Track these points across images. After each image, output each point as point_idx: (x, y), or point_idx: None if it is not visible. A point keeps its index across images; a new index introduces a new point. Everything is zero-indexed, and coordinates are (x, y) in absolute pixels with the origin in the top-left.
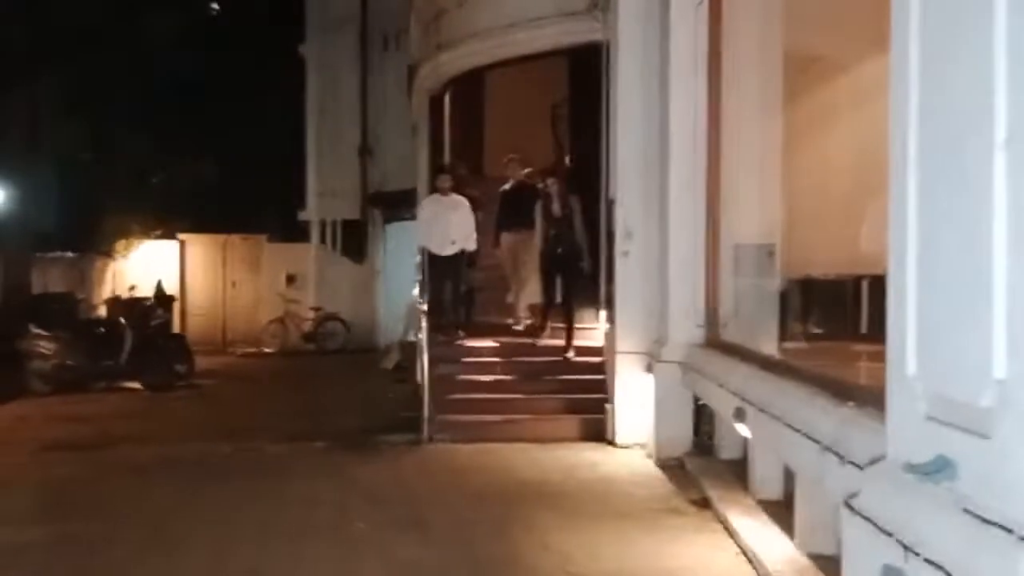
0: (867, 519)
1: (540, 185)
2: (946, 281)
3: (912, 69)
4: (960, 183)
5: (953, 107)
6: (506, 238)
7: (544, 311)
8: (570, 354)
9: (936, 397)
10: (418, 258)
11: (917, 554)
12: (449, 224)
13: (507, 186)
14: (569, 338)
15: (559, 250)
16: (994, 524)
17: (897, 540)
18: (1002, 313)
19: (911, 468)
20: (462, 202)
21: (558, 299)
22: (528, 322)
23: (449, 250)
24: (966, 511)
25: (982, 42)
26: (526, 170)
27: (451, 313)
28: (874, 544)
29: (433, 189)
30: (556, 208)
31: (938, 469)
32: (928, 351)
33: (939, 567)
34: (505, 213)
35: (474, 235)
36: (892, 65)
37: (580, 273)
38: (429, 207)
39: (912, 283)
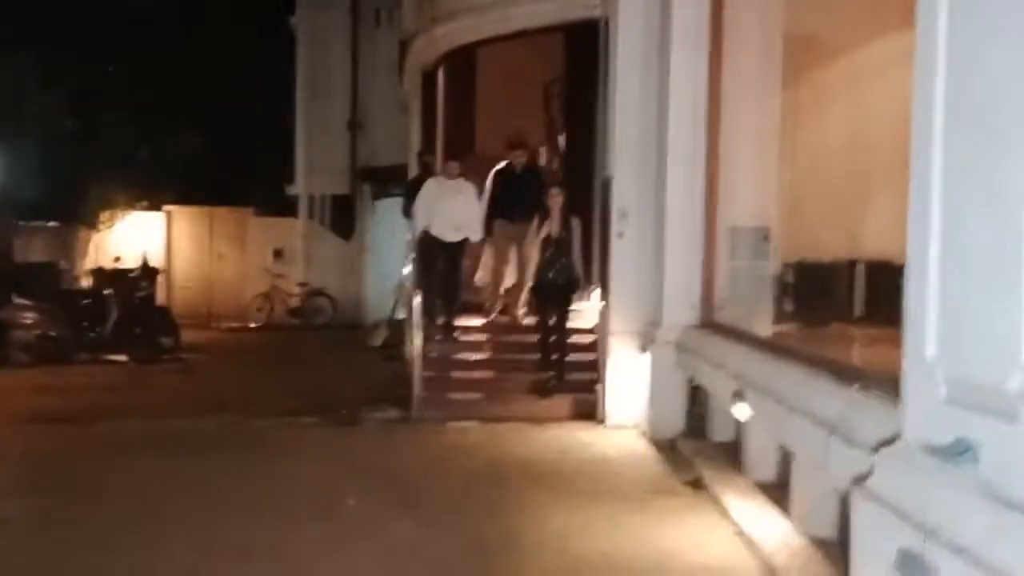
0: (882, 502)
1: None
2: (972, 263)
3: (940, 44)
4: (991, 161)
5: (985, 83)
6: (502, 226)
7: (544, 343)
8: (552, 390)
9: (957, 380)
10: (408, 239)
11: (938, 538)
12: (455, 209)
13: (506, 166)
14: (560, 373)
15: (555, 279)
16: (1020, 508)
17: (915, 524)
18: None
19: (932, 451)
20: (468, 187)
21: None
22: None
23: (453, 236)
24: (989, 495)
25: (1019, 13)
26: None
27: (447, 304)
28: (889, 527)
29: (425, 168)
30: (554, 228)
31: (960, 452)
32: (949, 334)
33: (962, 551)
34: (502, 197)
35: (479, 224)
36: (919, 39)
37: (571, 303)
38: (432, 189)
39: (934, 265)
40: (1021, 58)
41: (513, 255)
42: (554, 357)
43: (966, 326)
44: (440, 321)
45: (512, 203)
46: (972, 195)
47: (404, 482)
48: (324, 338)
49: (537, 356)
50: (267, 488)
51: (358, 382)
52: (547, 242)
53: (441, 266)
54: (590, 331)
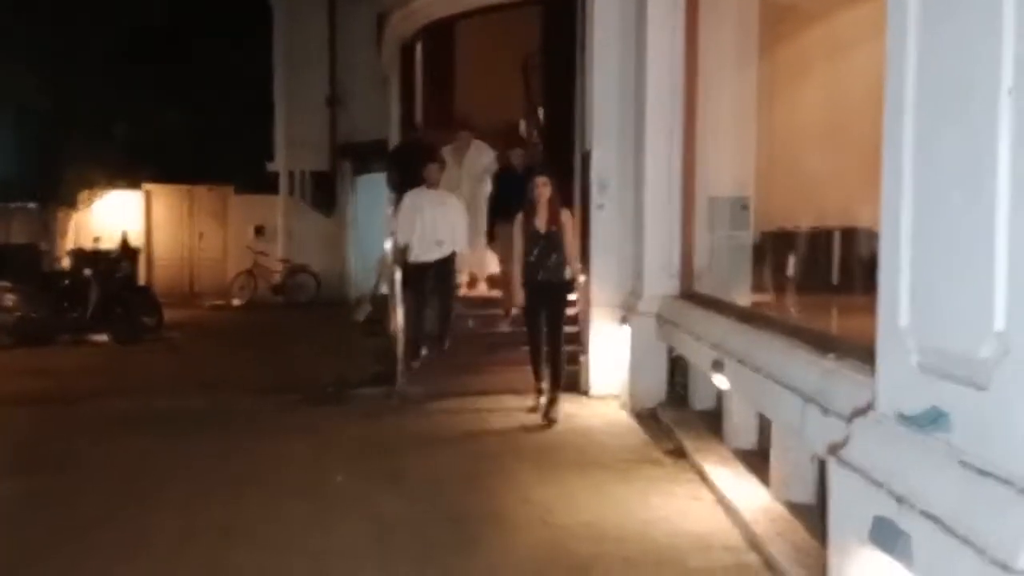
0: (857, 470)
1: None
2: (944, 232)
3: (911, 14)
4: (962, 129)
5: (955, 53)
6: (505, 229)
7: (534, 361)
8: (554, 413)
9: (930, 348)
10: (388, 247)
11: (911, 505)
12: (436, 222)
13: (506, 166)
14: (554, 394)
15: (546, 279)
16: (992, 476)
17: (889, 491)
18: (1004, 264)
19: (904, 419)
20: (451, 197)
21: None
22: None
23: (435, 253)
24: (962, 463)
25: None
26: (520, 154)
27: (440, 326)
28: (864, 495)
29: (406, 158)
30: (541, 222)
31: (932, 420)
32: (922, 302)
33: (934, 519)
34: (504, 200)
35: (466, 236)
36: (889, 10)
37: (565, 309)
38: (412, 200)
39: (906, 234)
40: (991, 29)
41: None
42: (548, 376)
43: (938, 295)
44: (426, 350)
45: (515, 205)
46: (943, 165)
47: (389, 457)
48: (308, 315)
49: (523, 325)
50: (253, 465)
51: (342, 358)
52: (535, 238)
53: (431, 288)
54: (572, 303)
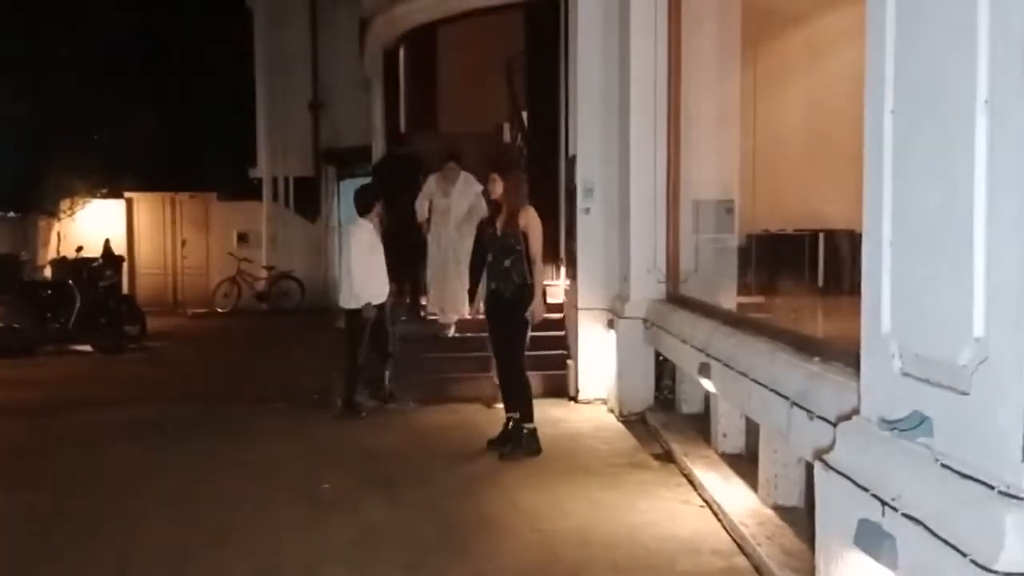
0: (842, 474)
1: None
2: (923, 239)
3: (889, 25)
4: (939, 140)
5: (932, 64)
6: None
7: (504, 380)
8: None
9: (912, 354)
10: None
11: (895, 509)
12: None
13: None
14: (526, 413)
15: (500, 290)
16: (973, 479)
17: (873, 495)
18: (981, 271)
19: (887, 424)
20: (380, 244)
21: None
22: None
23: (351, 302)
24: (944, 466)
25: None
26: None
27: (388, 378)
28: (849, 499)
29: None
30: (500, 223)
31: (914, 425)
32: (904, 308)
33: (918, 521)
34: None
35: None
36: (868, 20)
37: (525, 325)
38: (369, 237)
39: (887, 240)
40: (966, 36)
41: None
42: (511, 402)
43: (919, 301)
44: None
45: None
46: (922, 173)
47: (377, 464)
48: (293, 321)
49: None
50: (242, 475)
51: (328, 366)
52: (491, 240)
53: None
54: (559, 307)
